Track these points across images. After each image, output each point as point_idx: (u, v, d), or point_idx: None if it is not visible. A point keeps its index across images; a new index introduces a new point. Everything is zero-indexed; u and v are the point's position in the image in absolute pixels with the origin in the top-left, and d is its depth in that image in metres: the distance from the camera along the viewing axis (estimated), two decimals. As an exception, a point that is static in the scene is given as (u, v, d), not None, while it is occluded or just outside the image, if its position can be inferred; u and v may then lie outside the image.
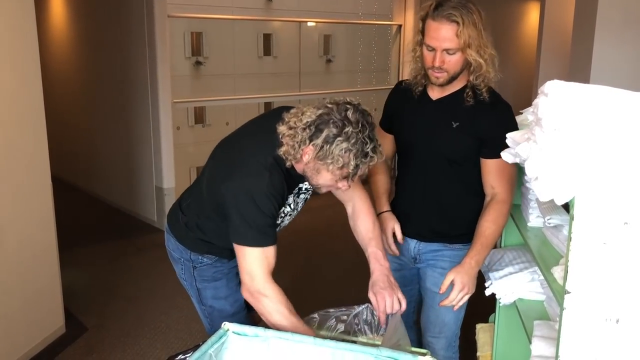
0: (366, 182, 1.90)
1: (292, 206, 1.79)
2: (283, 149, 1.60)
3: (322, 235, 4.69)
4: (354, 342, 1.55)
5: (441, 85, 1.84)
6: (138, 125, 5.07)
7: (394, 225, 1.96)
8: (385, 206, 2.01)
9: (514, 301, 1.90)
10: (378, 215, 1.95)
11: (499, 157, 1.74)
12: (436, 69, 1.78)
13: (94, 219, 5.49)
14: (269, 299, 1.63)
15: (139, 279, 4.02)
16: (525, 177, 1.93)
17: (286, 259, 4.34)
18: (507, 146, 1.76)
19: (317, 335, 1.46)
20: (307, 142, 1.55)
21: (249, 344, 1.44)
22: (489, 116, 1.83)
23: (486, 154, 1.84)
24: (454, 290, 1.76)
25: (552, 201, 1.22)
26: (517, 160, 1.69)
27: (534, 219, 1.88)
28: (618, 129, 1.16)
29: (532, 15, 8.37)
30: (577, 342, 1.24)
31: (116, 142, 5.52)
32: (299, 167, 1.65)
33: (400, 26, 6.31)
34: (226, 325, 1.46)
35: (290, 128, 1.59)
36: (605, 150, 1.16)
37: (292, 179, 1.70)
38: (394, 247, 1.96)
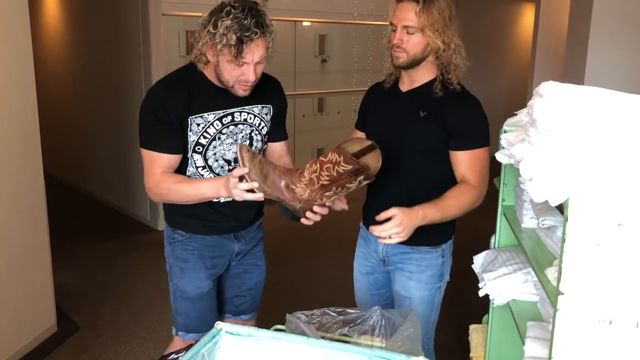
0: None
1: (217, 129, 1.85)
2: (193, 53, 1.80)
3: (320, 237, 4.69)
4: (348, 342, 1.55)
5: (402, 67, 1.86)
6: (132, 124, 5.03)
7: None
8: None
9: (508, 302, 1.90)
10: None
11: (469, 148, 1.81)
12: (396, 47, 1.82)
13: (86, 217, 5.46)
14: (161, 183, 1.82)
15: (132, 278, 4.00)
16: (520, 178, 1.93)
17: (283, 259, 4.35)
18: (476, 138, 1.83)
19: (306, 333, 1.46)
20: (204, 36, 1.73)
21: (242, 344, 1.43)
22: (457, 107, 1.84)
23: (455, 146, 1.84)
24: (389, 223, 1.67)
25: (546, 202, 1.22)
26: (512, 161, 1.70)
27: (528, 220, 1.88)
28: (613, 130, 1.17)
29: (527, 18, 8.40)
30: (571, 343, 1.24)
31: (110, 141, 5.50)
32: (210, 72, 1.81)
33: (395, 27, 6.29)
34: (219, 324, 1.45)
35: (196, 34, 1.78)
36: (599, 151, 1.16)
37: (211, 95, 1.83)
38: None
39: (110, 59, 5.20)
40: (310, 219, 1.71)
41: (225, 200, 1.91)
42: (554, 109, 1.22)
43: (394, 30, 1.84)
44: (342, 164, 1.60)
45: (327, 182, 1.64)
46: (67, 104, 6.16)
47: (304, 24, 5.91)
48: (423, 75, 1.88)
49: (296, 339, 1.40)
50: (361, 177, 1.62)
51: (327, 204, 1.71)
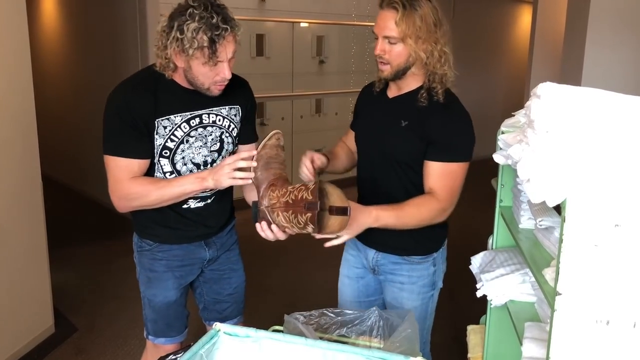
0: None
1: (185, 131, 1.79)
2: (157, 62, 1.72)
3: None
4: (346, 343, 1.55)
5: (387, 79, 1.81)
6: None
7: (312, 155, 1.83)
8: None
9: (505, 303, 1.90)
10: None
11: (442, 160, 1.73)
12: (379, 58, 1.76)
13: (84, 218, 5.45)
14: (134, 185, 1.75)
15: (129, 279, 3.96)
16: (517, 179, 1.93)
17: (282, 260, 4.35)
18: (453, 151, 1.74)
19: (304, 333, 1.46)
20: (170, 43, 1.64)
21: (240, 345, 1.43)
22: (439, 117, 1.75)
23: (430, 156, 1.76)
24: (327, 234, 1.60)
25: (543, 203, 1.22)
26: (509, 162, 1.70)
27: (526, 221, 1.88)
28: (610, 131, 1.17)
29: (524, 19, 8.42)
30: (568, 343, 1.24)
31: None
32: (180, 75, 1.74)
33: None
34: (217, 325, 1.45)
35: (157, 42, 1.70)
36: (597, 152, 1.17)
37: (178, 96, 1.76)
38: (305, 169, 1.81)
39: (107, 59, 5.20)
40: (261, 228, 1.66)
41: (196, 205, 1.88)
42: (552, 109, 1.22)
43: (376, 39, 1.77)
44: (309, 192, 1.53)
45: (291, 202, 1.58)
46: (65, 104, 6.15)
47: (302, 25, 5.91)
48: (409, 83, 1.81)
49: (294, 339, 1.40)
50: (308, 215, 1.51)
51: (274, 227, 1.64)
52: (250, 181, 1.68)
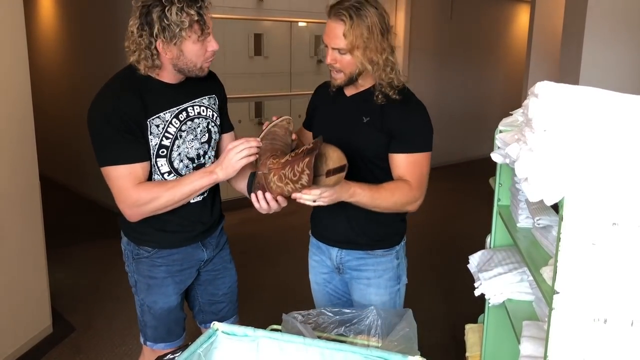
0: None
1: (176, 127, 1.78)
2: (133, 57, 1.69)
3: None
4: (344, 342, 1.55)
5: (341, 86, 1.82)
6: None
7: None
8: None
9: (503, 301, 1.91)
10: None
11: (407, 152, 1.75)
12: (331, 67, 1.78)
13: (82, 218, 5.44)
14: (143, 192, 1.71)
15: (127, 278, 3.99)
16: (515, 178, 1.93)
17: (280, 259, 4.35)
18: (416, 142, 1.77)
19: (304, 333, 1.46)
20: (152, 38, 1.62)
21: (238, 344, 1.43)
22: (398, 112, 1.77)
23: (394, 149, 1.78)
24: (315, 189, 1.56)
25: (541, 202, 1.23)
26: (507, 161, 1.70)
27: (524, 220, 1.89)
28: (608, 130, 1.17)
29: (522, 18, 8.43)
30: (566, 342, 1.25)
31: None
32: (166, 69, 1.72)
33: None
34: (215, 324, 1.45)
35: (131, 44, 1.67)
36: (594, 151, 1.17)
37: (161, 93, 1.75)
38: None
39: (105, 59, 5.19)
40: (256, 198, 1.67)
41: (195, 200, 1.87)
42: (549, 108, 1.22)
43: (326, 47, 1.77)
44: (309, 145, 1.56)
45: (290, 159, 1.59)
46: (63, 104, 6.14)
47: (300, 24, 5.91)
48: (365, 83, 1.82)
49: (292, 338, 1.40)
50: (306, 160, 1.50)
51: (268, 195, 1.66)
52: (255, 157, 1.69)
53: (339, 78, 1.79)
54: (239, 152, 1.66)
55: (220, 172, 1.70)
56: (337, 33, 1.70)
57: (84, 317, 3.39)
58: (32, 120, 2.95)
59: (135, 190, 1.71)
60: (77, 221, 5.33)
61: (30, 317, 3.05)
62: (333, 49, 1.73)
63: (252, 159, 1.68)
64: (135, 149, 1.70)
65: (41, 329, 3.12)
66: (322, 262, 2.03)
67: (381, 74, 1.74)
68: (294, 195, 1.58)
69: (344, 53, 1.72)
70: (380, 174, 1.82)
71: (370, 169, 1.83)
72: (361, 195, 1.68)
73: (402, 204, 1.76)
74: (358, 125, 1.82)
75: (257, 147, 1.68)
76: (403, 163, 1.77)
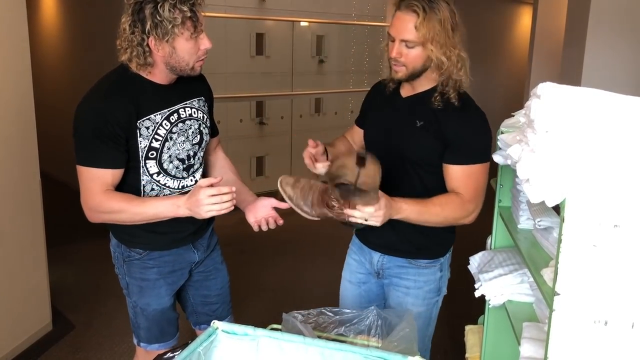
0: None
1: (167, 129, 1.77)
2: (125, 56, 1.70)
3: (316, 236, 4.69)
4: (344, 342, 1.55)
5: (401, 81, 1.78)
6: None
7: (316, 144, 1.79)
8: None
9: (504, 303, 1.91)
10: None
11: (463, 163, 1.69)
12: (394, 61, 1.72)
13: (82, 215, 5.42)
14: (109, 201, 1.72)
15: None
16: (517, 179, 1.93)
17: (280, 259, 4.35)
18: (472, 153, 1.71)
19: (304, 333, 1.46)
20: (144, 35, 1.62)
21: (238, 343, 1.43)
22: (455, 119, 1.71)
23: (449, 160, 1.72)
24: (369, 206, 1.55)
25: (542, 203, 1.23)
26: (508, 162, 1.70)
27: (525, 221, 1.89)
28: (609, 131, 1.17)
29: (524, 19, 8.43)
30: (566, 344, 1.24)
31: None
32: (158, 68, 1.71)
33: (393, 27, 6.30)
34: (215, 323, 1.45)
35: (123, 41, 1.69)
36: (596, 152, 1.17)
37: (153, 94, 1.74)
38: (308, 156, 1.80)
39: (107, 57, 5.19)
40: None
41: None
42: (551, 110, 1.22)
43: (392, 41, 1.71)
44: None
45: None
46: (64, 101, 6.13)
47: (302, 24, 5.91)
48: (424, 84, 1.77)
49: (292, 338, 1.40)
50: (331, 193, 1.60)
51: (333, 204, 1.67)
52: (232, 208, 1.67)
53: (400, 72, 1.72)
54: (209, 204, 1.62)
55: (187, 211, 1.68)
56: (408, 25, 1.65)
57: (84, 315, 3.39)
58: (33, 116, 2.95)
59: (101, 197, 1.72)
60: (77, 219, 5.31)
61: (30, 314, 3.05)
62: (401, 41, 1.68)
63: (223, 212, 1.65)
64: (112, 155, 1.71)
65: (41, 327, 3.12)
66: (362, 263, 1.98)
67: (452, 69, 1.69)
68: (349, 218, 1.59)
69: (411, 46, 1.67)
70: (430, 181, 1.77)
71: (415, 172, 1.78)
72: (409, 211, 1.64)
73: (455, 219, 1.72)
74: (411, 129, 1.76)
75: (231, 200, 1.64)
76: (458, 175, 1.71)
